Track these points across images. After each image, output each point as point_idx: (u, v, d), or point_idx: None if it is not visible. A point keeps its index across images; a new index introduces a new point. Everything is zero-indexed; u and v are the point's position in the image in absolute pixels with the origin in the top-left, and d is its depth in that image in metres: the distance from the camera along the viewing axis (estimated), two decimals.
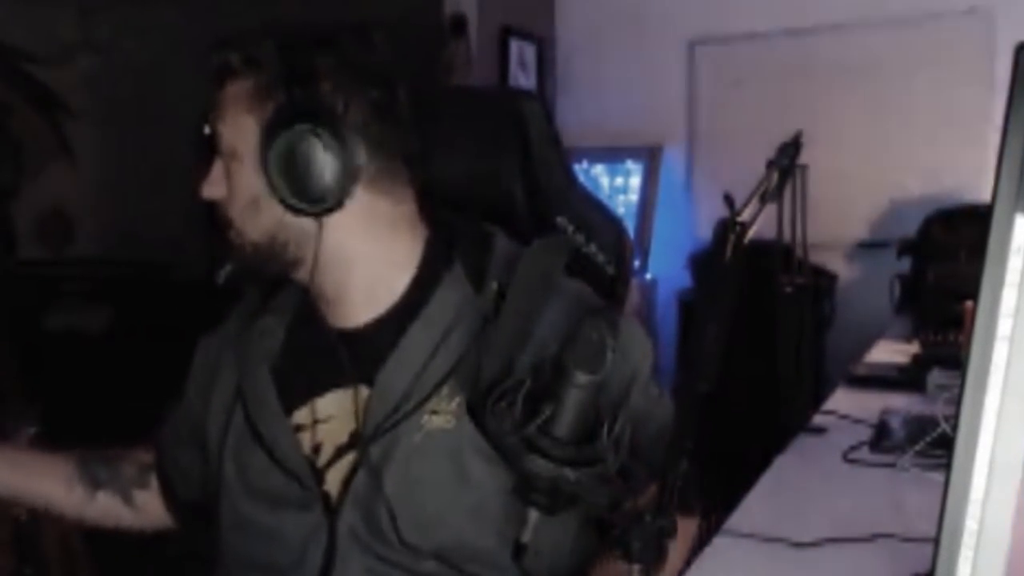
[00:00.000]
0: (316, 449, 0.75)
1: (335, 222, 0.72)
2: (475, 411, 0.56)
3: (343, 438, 0.74)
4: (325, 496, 0.74)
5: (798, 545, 0.87)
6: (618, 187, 3.10)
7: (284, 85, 0.70)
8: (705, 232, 2.88)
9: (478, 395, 0.56)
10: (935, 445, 1.08)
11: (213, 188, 0.75)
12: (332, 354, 0.75)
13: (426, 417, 0.71)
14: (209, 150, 0.74)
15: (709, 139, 2.98)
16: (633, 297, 1.00)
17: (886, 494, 1.02)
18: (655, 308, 3.01)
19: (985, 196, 0.43)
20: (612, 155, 3.09)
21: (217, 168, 0.74)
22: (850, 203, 2.71)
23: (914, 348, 1.74)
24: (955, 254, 1.99)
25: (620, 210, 3.09)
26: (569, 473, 0.52)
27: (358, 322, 0.76)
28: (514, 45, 2.95)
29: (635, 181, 3.06)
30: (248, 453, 0.77)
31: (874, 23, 2.67)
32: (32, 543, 1.30)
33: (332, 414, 0.75)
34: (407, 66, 0.76)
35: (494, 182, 0.88)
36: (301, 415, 0.76)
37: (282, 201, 0.70)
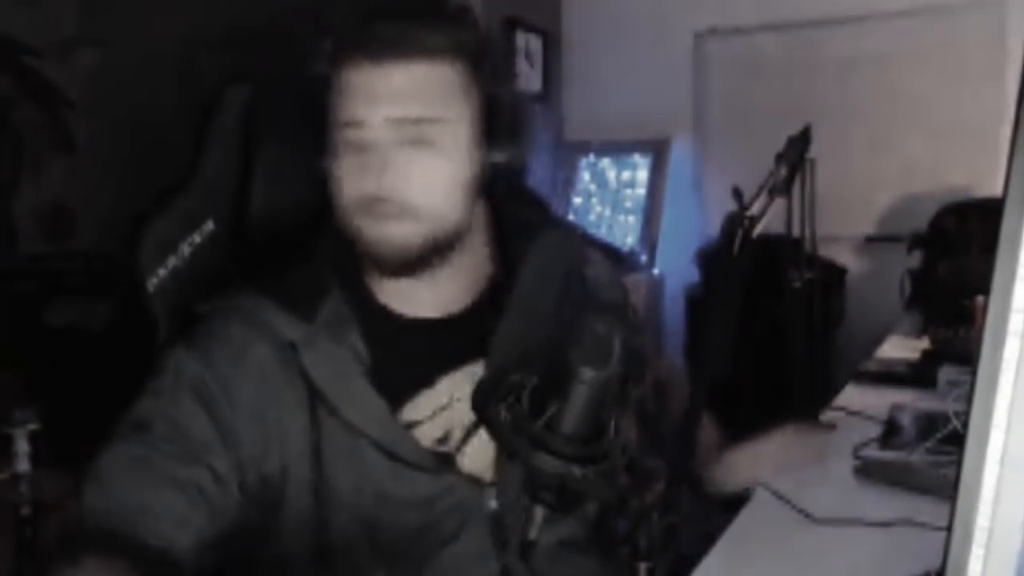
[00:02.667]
0: (444, 439, 0.75)
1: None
2: (481, 407, 0.55)
3: (468, 419, 0.74)
4: (472, 478, 0.74)
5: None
6: (625, 181, 3.09)
7: (491, 68, 0.72)
8: (713, 227, 2.85)
9: (484, 391, 0.56)
10: (946, 442, 1.08)
11: (399, 183, 0.70)
12: (439, 341, 0.75)
13: None
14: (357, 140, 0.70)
15: (717, 132, 2.97)
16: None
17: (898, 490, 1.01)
18: (662, 303, 3.00)
19: (996, 190, 0.43)
20: (619, 149, 3.08)
21: (378, 159, 0.69)
22: (860, 197, 2.69)
23: (924, 344, 1.73)
24: (966, 248, 1.98)
25: (627, 204, 3.08)
26: (576, 470, 0.51)
27: (460, 307, 0.76)
28: (520, 37, 2.95)
29: (642, 175, 3.05)
30: (363, 462, 0.71)
31: (884, 16, 2.65)
32: (32, 541, 1.31)
33: (454, 398, 0.75)
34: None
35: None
36: (416, 408, 0.74)
37: (506, 183, 0.73)
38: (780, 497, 0.96)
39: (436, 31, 0.69)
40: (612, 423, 0.54)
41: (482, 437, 0.73)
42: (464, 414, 0.73)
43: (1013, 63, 2.52)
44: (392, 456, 0.71)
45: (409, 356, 0.75)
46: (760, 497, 1.01)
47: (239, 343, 0.71)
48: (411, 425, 0.74)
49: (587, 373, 0.52)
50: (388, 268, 0.72)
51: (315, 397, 0.70)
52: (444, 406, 0.74)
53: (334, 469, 0.70)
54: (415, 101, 0.68)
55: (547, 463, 0.52)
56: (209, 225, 0.78)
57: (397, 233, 0.69)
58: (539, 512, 0.53)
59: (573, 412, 0.52)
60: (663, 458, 0.57)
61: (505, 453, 0.54)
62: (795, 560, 0.84)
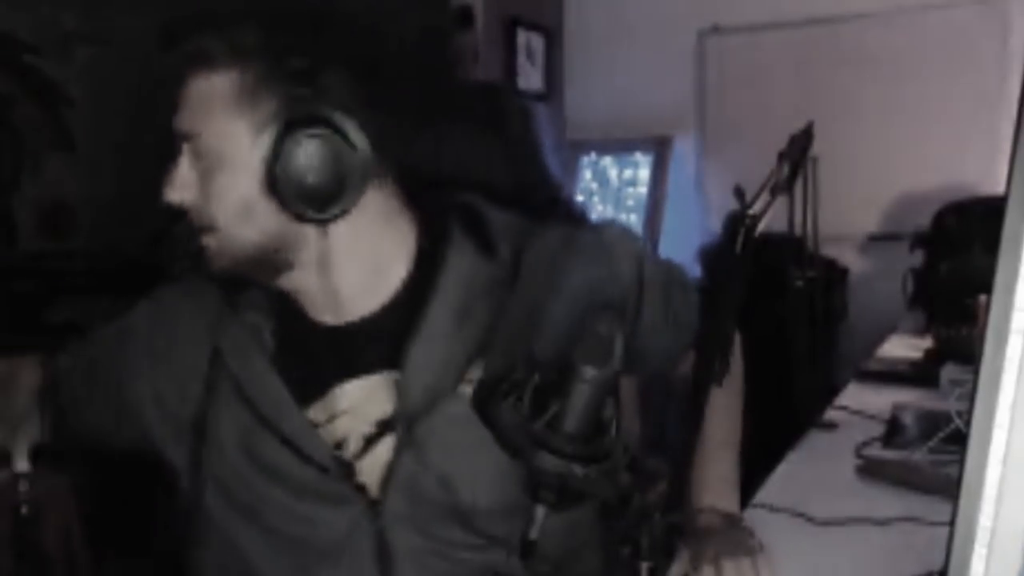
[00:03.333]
0: (339, 445, 0.73)
1: (338, 223, 0.69)
2: (482, 405, 0.55)
3: (366, 428, 0.73)
4: (362, 488, 0.72)
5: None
6: (627, 179, 3.08)
7: (282, 81, 0.65)
8: (715, 225, 2.87)
9: (485, 389, 0.56)
10: (948, 441, 1.08)
11: (178, 190, 0.69)
12: (337, 348, 0.73)
13: (466, 388, 0.69)
14: (176, 148, 0.69)
15: (719, 131, 2.97)
16: None
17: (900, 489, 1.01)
18: None
19: (999, 188, 0.43)
20: (621, 147, 3.08)
21: (183, 168, 0.69)
22: (862, 195, 2.68)
23: (927, 343, 1.73)
24: (968, 247, 1.97)
25: (629, 203, 3.07)
26: (577, 469, 0.51)
27: (360, 314, 0.74)
28: (521, 36, 2.94)
29: (644, 173, 3.05)
30: (265, 449, 0.73)
31: (886, 13, 2.65)
32: (32, 539, 1.31)
33: (352, 406, 0.73)
34: (412, 54, 0.74)
35: (474, 174, 0.88)
36: (312, 412, 0.74)
37: (290, 208, 0.66)
38: (777, 509, 0.96)
39: (212, 38, 0.66)
40: (614, 422, 0.54)
41: (376, 453, 0.72)
42: (362, 425, 0.72)
43: (1016, 61, 2.51)
44: (289, 444, 0.72)
45: (310, 359, 0.74)
46: (762, 498, 1.01)
47: (173, 299, 0.81)
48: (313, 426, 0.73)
49: (589, 372, 0.52)
50: (214, 276, 0.74)
51: (218, 366, 0.75)
52: (339, 413, 0.73)
53: (221, 432, 0.74)
54: (187, 116, 0.68)
55: (549, 462, 0.52)
56: None
57: (205, 244, 0.71)
58: (540, 512, 0.53)
59: (575, 411, 0.52)
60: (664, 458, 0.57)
61: (506, 450, 0.54)
62: (797, 560, 0.84)
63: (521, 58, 2.94)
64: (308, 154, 0.65)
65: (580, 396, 0.52)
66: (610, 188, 3.11)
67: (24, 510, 1.29)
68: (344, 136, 0.65)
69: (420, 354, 0.71)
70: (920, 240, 2.17)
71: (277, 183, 0.65)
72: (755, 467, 1.10)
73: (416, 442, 0.70)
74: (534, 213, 0.79)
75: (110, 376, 0.80)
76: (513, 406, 0.54)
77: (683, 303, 0.81)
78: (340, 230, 0.71)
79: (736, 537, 0.77)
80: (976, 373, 0.44)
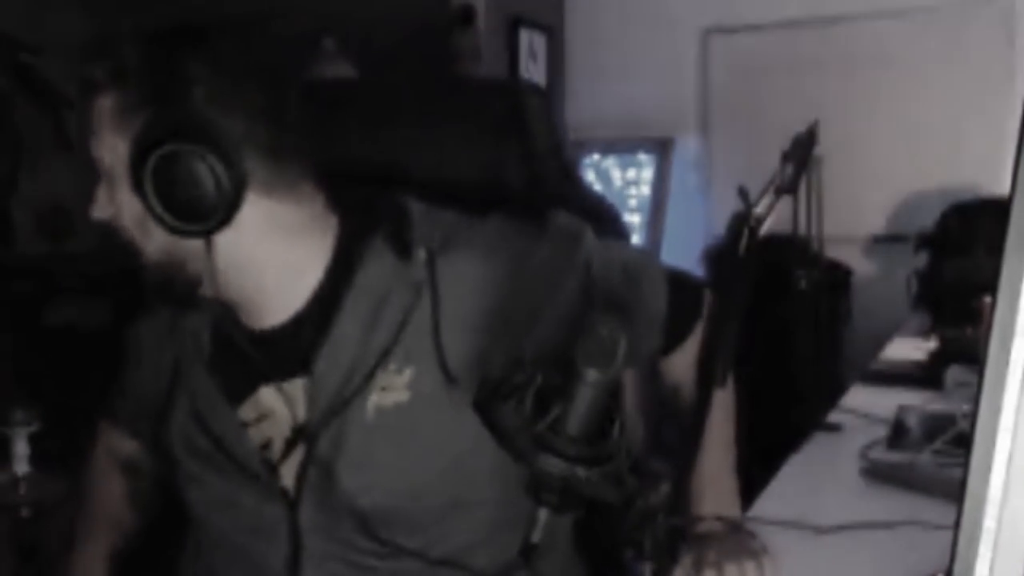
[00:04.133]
0: (266, 445, 0.76)
1: (231, 236, 0.69)
2: (483, 408, 0.55)
3: (287, 432, 0.75)
4: (284, 491, 0.74)
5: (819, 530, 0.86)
6: (630, 180, 3.08)
7: (152, 99, 0.67)
8: (718, 226, 2.86)
9: (486, 391, 0.56)
10: (953, 443, 1.07)
11: (99, 209, 0.72)
12: (261, 352, 0.76)
13: (375, 396, 0.70)
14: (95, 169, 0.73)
15: (723, 131, 2.96)
16: None
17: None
18: None
19: (1004, 189, 0.42)
20: (624, 147, 3.07)
21: (101, 188, 0.72)
22: (867, 196, 2.68)
23: (932, 344, 1.72)
24: (973, 248, 1.96)
25: (632, 203, 3.07)
26: (580, 471, 0.51)
27: (275, 322, 0.75)
28: (523, 35, 2.94)
29: (647, 174, 3.05)
30: (199, 446, 0.78)
31: (891, 13, 2.64)
32: (33, 540, 1.31)
33: (272, 409, 0.76)
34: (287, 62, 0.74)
35: (491, 173, 0.87)
36: (244, 411, 0.77)
37: (162, 223, 0.67)
38: (781, 512, 0.96)
39: (96, 65, 0.70)
40: (617, 424, 0.54)
41: (294, 458, 0.74)
42: (281, 427, 0.75)
43: (1021, 61, 2.50)
44: (217, 441, 0.76)
45: (241, 362, 0.76)
46: (765, 499, 1.01)
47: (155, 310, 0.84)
48: (243, 425, 0.76)
49: (592, 374, 0.52)
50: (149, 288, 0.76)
51: (176, 370, 0.80)
52: (264, 415, 0.76)
53: (172, 422, 0.79)
54: (91, 138, 0.71)
55: (551, 465, 0.51)
56: None
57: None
58: (543, 514, 0.53)
59: (578, 413, 0.52)
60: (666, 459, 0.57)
61: (509, 453, 0.54)
62: (801, 562, 0.83)
63: (523, 57, 2.94)
64: (174, 169, 0.66)
65: (583, 398, 0.52)
66: (613, 188, 3.11)
67: (24, 512, 1.29)
68: (213, 148, 0.66)
69: (325, 361, 0.72)
70: (925, 241, 2.16)
71: (146, 198, 0.66)
72: (759, 469, 1.10)
73: (323, 450, 0.72)
74: (542, 210, 0.78)
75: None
76: (515, 408, 0.54)
77: (651, 293, 0.80)
78: (239, 242, 0.71)
79: (738, 540, 0.77)
80: (981, 375, 0.44)
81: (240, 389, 0.77)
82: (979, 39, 2.56)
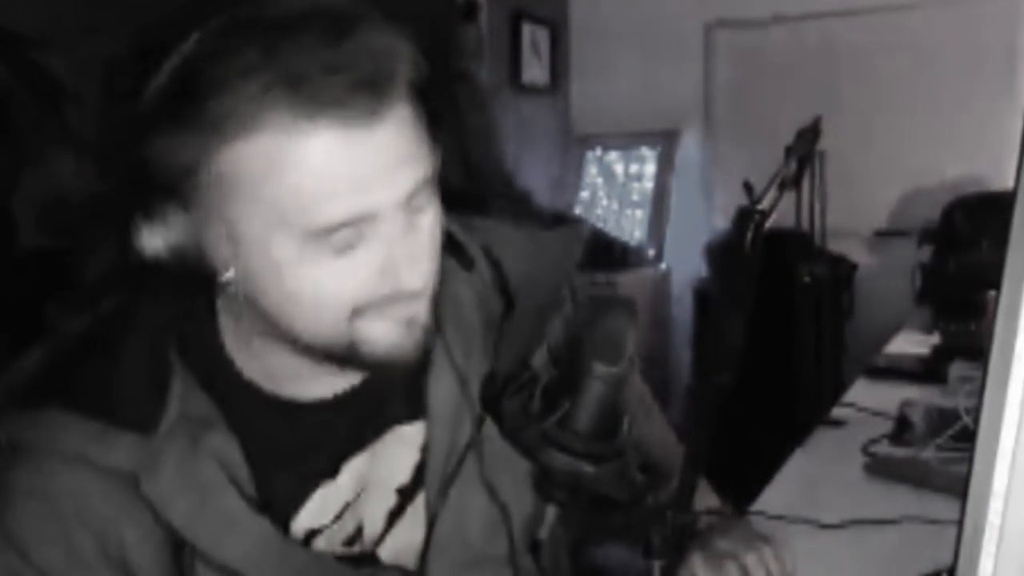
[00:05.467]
0: (356, 536, 0.61)
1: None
2: (491, 404, 0.55)
3: (389, 502, 0.61)
4: (396, 569, 0.62)
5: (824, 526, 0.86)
6: (633, 174, 3.08)
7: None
8: (721, 220, 2.86)
9: (494, 387, 0.56)
10: (957, 438, 1.07)
11: None
12: (333, 424, 0.58)
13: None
14: None
15: (726, 125, 2.96)
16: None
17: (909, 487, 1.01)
18: (669, 299, 2.99)
19: (1008, 183, 0.42)
20: (627, 142, 3.07)
21: (429, 222, 0.56)
22: (870, 191, 2.68)
23: (935, 339, 1.72)
24: (977, 242, 1.96)
25: (635, 198, 3.07)
26: (589, 468, 0.51)
27: (359, 378, 0.59)
28: (526, 29, 2.93)
29: (650, 168, 3.04)
30: None
31: (896, 7, 2.63)
32: None
33: (366, 484, 0.60)
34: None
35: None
36: (307, 519, 0.58)
37: None
38: (784, 507, 0.96)
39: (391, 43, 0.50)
40: (625, 420, 0.54)
41: (405, 523, 0.62)
42: (382, 499, 0.61)
43: None
44: None
45: (297, 449, 0.57)
46: (769, 494, 1.01)
47: (46, 497, 0.50)
48: (310, 536, 0.58)
49: (600, 369, 0.51)
50: (385, 378, 0.57)
51: (176, 537, 0.52)
52: (352, 501, 0.60)
53: None
54: (414, 164, 0.51)
55: (559, 461, 0.51)
56: None
57: (411, 330, 0.54)
58: (551, 511, 0.53)
59: (586, 409, 0.52)
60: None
61: (516, 449, 0.54)
62: (804, 559, 0.84)
63: (526, 52, 2.94)
64: None
65: (592, 393, 0.52)
66: (616, 183, 3.10)
67: None
68: None
69: (440, 395, 0.60)
70: (928, 236, 2.16)
71: None
72: (762, 465, 1.10)
73: (452, 496, 0.61)
74: (483, 207, 0.69)
75: None
76: (523, 404, 0.54)
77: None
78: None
79: (742, 530, 0.76)
80: (985, 370, 0.44)
81: (299, 490, 0.57)
82: (984, 33, 2.55)
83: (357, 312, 0.51)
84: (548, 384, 0.54)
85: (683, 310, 2.92)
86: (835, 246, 2.62)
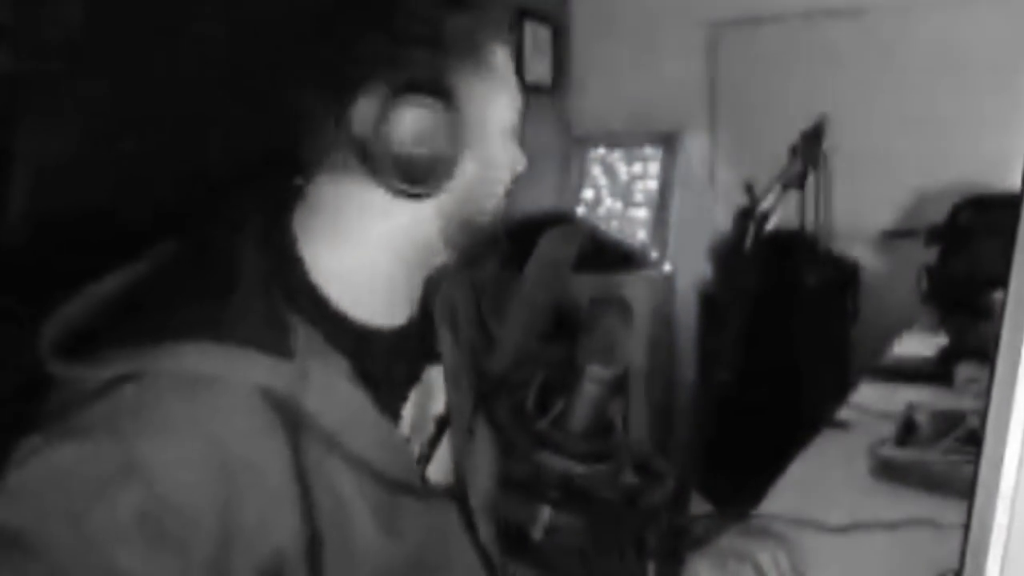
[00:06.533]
0: (419, 457, 0.66)
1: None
2: (487, 404, 0.55)
3: (430, 430, 0.66)
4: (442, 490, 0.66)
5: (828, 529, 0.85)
6: (636, 174, 3.07)
7: None
8: (725, 220, 2.85)
9: (489, 387, 0.55)
10: (963, 440, 1.06)
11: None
12: (402, 352, 0.63)
13: None
14: None
15: (730, 125, 2.95)
16: None
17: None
18: (674, 301, 2.98)
19: (1015, 183, 0.42)
20: (630, 141, 3.06)
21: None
22: (875, 190, 2.66)
23: (942, 340, 1.71)
24: (984, 243, 1.95)
25: (638, 198, 3.06)
26: (581, 468, 0.51)
27: (414, 311, 0.67)
28: (528, 28, 2.93)
29: (653, 168, 3.03)
30: (363, 500, 0.58)
31: (901, 6, 2.62)
32: None
33: (426, 410, 0.66)
34: None
35: None
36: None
37: None
38: (789, 510, 0.95)
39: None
40: (619, 421, 0.54)
41: (442, 449, 0.66)
42: (429, 424, 0.66)
43: None
44: (396, 486, 0.59)
45: (388, 372, 0.62)
46: (774, 496, 1.00)
47: (184, 422, 0.50)
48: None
49: (594, 370, 0.51)
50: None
51: (299, 450, 0.54)
52: (420, 420, 0.65)
53: (336, 526, 0.56)
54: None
55: (552, 461, 0.51)
56: None
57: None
58: (545, 511, 0.52)
59: (579, 410, 0.51)
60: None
61: (510, 449, 0.53)
62: (810, 561, 0.83)
63: (528, 51, 2.93)
64: None
65: (585, 394, 0.51)
66: (619, 183, 3.10)
67: None
68: None
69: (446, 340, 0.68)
70: (935, 236, 2.15)
71: None
72: (768, 466, 1.09)
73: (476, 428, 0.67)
74: None
75: None
76: (517, 404, 0.53)
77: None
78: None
79: (756, 530, 0.76)
80: (991, 371, 0.43)
81: (393, 408, 0.63)
82: (989, 32, 2.54)
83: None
84: (542, 384, 0.54)
85: (687, 313, 2.91)
86: (840, 247, 2.61)
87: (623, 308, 0.52)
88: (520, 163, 0.66)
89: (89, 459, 0.48)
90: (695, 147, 3.01)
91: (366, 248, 0.60)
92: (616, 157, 3.10)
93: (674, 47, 2.96)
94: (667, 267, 2.97)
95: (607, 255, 2.66)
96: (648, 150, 3.05)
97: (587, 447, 0.51)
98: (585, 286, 0.77)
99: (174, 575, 0.48)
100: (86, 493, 0.47)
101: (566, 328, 0.63)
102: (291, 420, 0.54)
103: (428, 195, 0.58)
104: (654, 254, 2.96)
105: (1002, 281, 0.43)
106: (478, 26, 0.61)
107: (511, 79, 0.64)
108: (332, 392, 0.56)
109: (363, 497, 0.56)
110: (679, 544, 0.50)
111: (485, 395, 0.55)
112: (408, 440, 0.63)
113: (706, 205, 2.96)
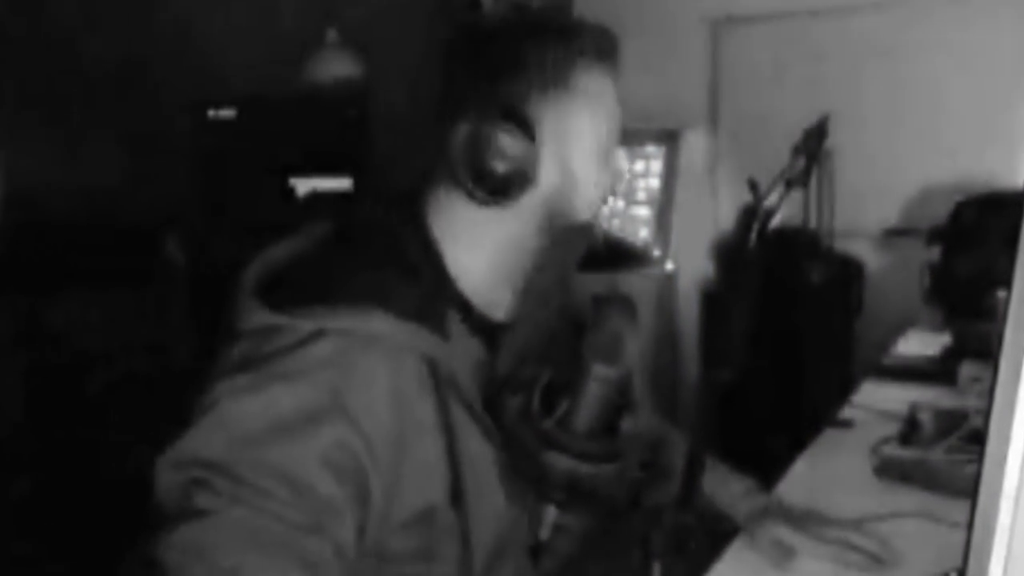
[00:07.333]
0: None
1: None
2: (491, 404, 0.55)
3: None
4: None
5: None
6: (638, 172, 3.06)
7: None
8: (728, 220, 2.84)
9: (494, 387, 0.56)
10: (966, 439, 1.06)
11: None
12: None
13: None
14: None
15: (733, 123, 2.94)
16: None
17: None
18: (676, 300, 2.98)
19: (1018, 182, 0.42)
20: (632, 139, 3.05)
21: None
22: (878, 189, 2.65)
23: (945, 339, 1.70)
24: (987, 241, 1.94)
25: (640, 196, 3.06)
26: (586, 468, 0.51)
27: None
28: None
29: (656, 166, 3.03)
30: (492, 477, 0.65)
31: (905, 3, 2.61)
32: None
33: None
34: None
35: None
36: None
37: None
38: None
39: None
40: (626, 421, 0.54)
41: None
42: None
43: None
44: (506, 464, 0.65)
45: (507, 362, 0.71)
46: (777, 495, 1.00)
47: (376, 374, 0.60)
48: None
49: (599, 370, 0.51)
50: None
51: (447, 414, 0.63)
52: None
53: (474, 494, 0.63)
54: None
55: (557, 461, 0.51)
56: None
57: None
58: (551, 511, 0.52)
59: (584, 409, 0.51)
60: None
61: (515, 449, 0.54)
62: (812, 559, 0.83)
63: None
64: None
65: (590, 394, 0.51)
66: (621, 181, 3.09)
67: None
68: None
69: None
70: (937, 235, 2.14)
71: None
72: (771, 465, 1.09)
73: None
74: None
75: None
76: (522, 404, 0.53)
77: None
78: None
79: (807, 512, 0.83)
80: (995, 370, 0.43)
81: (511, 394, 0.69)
82: (993, 30, 2.53)
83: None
84: (547, 384, 0.54)
85: (690, 311, 2.90)
86: (843, 245, 2.60)
87: (628, 307, 0.52)
88: (619, 177, 0.72)
89: (299, 398, 0.57)
90: (697, 145, 3.01)
91: (481, 251, 0.70)
92: (618, 155, 3.10)
93: (677, 45, 2.96)
94: (669, 265, 2.97)
95: (609, 254, 2.66)
96: (650, 148, 3.04)
97: (592, 446, 0.51)
98: (589, 285, 0.77)
99: (356, 503, 0.57)
100: (296, 427, 0.56)
101: (572, 327, 0.64)
102: (444, 386, 0.63)
103: (509, 202, 0.67)
104: (656, 252, 2.95)
105: (1005, 280, 0.43)
106: (565, 55, 0.71)
107: (603, 101, 0.74)
108: (472, 369, 0.65)
109: (493, 466, 0.63)
110: (684, 542, 0.50)
111: (490, 396, 0.55)
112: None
113: (708, 203, 2.96)
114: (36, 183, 2.57)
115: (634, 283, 2.70)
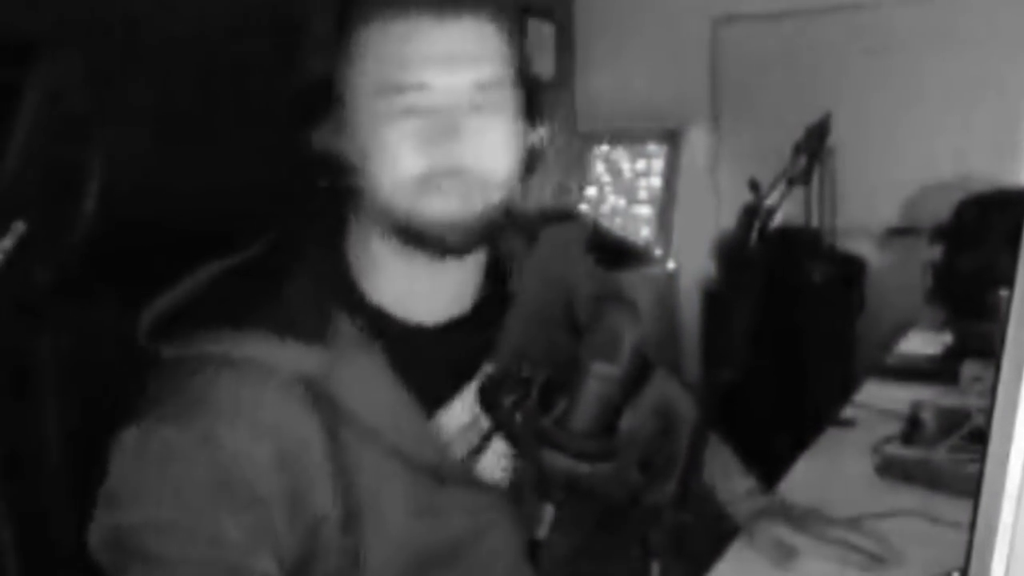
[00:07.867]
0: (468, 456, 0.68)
1: None
2: (489, 402, 0.55)
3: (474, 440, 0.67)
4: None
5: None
6: (640, 171, 3.06)
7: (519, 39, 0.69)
8: (730, 218, 2.84)
9: (492, 385, 0.55)
10: (968, 439, 1.06)
11: None
12: (448, 350, 0.66)
13: None
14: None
15: (734, 121, 2.94)
16: None
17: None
18: (677, 298, 2.98)
19: (1020, 180, 0.41)
20: (634, 138, 3.05)
21: (498, 120, 0.65)
22: (880, 187, 2.65)
23: (947, 338, 1.70)
24: (989, 240, 1.94)
25: (642, 195, 3.05)
26: (584, 467, 0.51)
27: (465, 307, 0.68)
28: (532, 25, 2.92)
29: (657, 165, 3.03)
30: (400, 489, 0.63)
31: (905, 1, 2.61)
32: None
33: (477, 413, 0.66)
34: None
35: None
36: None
37: None
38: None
39: None
40: (623, 419, 0.53)
41: (496, 445, 0.65)
42: (482, 419, 0.66)
43: None
44: (426, 473, 0.63)
45: (426, 370, 0.65)
46: (778, 494, 1.00)
47: (243, 403, 0.58)
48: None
49: (597, 368, 0.51)
50: (441, 250, 0.62)
51: (334, 432, 0.60)
52: (468, 425, 0.66)
53: (370, 505, 0.61)
54: (488, 62, 0.62)
55: (555, 460, 0.51)
56: (19, 226, 0.75)
57: (466, 208, 0.61)
58: (548, 510, 0.52)
59: (582, 408, 0.51)
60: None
61: (512, 448, 0.53)
62: (813, 558, 0.83)
63: (531, 47, 2.93)
64: None
65: (588, 392, 0.51)
66: (623, 179, 3.09)
67: None
68: None
69: (508, 341, 0.68)
70: (940, 233, 2.14)
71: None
72: (772, 464, 1.09)
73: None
74: None
75: None
76: (520, 402, 0.53)
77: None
78: None
79: (808, 511, 0.82)
80: (997, 369, 0.43)
81: (429, 407, 0.66)
82: (995, 27, 2.52)
83: (409, 186, 0.60)
84: (546, 382, 0.53)
85: (691, 310, 2.90)
86: (845, 244, 2.60)
87: (628, 306, 0.52)
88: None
89: (180, 448, 0.56)
90: (699, 144, 3.00)
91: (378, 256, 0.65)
92: (620, 154, 3.10)
93: (678, 43, 2.95)
94: (671, 264, 2.97)
95: (610, 252, 2.66)
96: (652, 147, 3.04)
97: (591, 445, 0.51)
98: (588, 284, 0.77)
99: (263, 534, 0.57)
100: (184, 478, 0.56)
101: (571, 325, 0.64)
102: (325, 404, 0.60)
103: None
104: (658, 251, 2.95)
105: (1007, 279, 0.43)
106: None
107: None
108: (365, 379, 0.61)
109: (396, 481, 0.61)
110: (683, 542, 0.50)
111: (488, 394, 0.55)
112: (457, 430, 0.65)
113: (710, 202, 2.96)
114: (143, 181, 2.54)
115: (635, 282, 2.70)
